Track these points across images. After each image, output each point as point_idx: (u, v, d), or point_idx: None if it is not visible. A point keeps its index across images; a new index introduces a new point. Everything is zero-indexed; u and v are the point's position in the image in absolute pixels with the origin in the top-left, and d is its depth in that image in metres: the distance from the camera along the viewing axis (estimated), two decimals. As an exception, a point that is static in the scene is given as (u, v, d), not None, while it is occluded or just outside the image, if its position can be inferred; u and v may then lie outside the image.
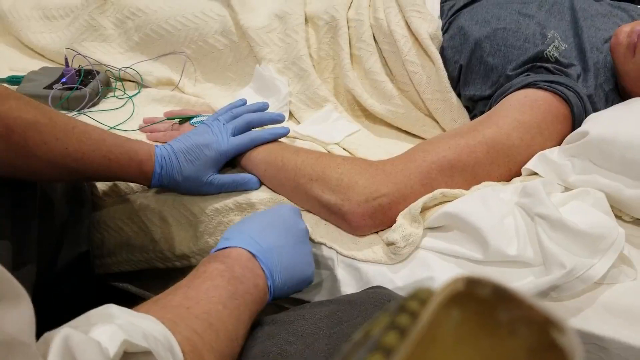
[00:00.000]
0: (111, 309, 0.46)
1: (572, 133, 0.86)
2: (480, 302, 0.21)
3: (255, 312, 0.62)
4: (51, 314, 0.86)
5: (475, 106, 1.00)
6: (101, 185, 0.93)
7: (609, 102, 0.95)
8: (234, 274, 0.61)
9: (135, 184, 0.91)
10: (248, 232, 0.68)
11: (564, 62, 0.94)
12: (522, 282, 0.72)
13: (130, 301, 0.57)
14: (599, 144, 0.81)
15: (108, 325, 0.42)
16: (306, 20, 1.12)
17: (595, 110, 0.92)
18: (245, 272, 0.63)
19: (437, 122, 1.03)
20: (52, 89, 1.08)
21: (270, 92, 1.07)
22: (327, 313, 0.61)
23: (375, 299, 0.63)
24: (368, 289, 0.69)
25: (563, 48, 0.95)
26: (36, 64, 1.21)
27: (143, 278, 0.98)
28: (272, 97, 1.06)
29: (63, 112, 1.06)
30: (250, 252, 0.66)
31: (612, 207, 0.80)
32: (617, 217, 0.82)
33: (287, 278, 0.68)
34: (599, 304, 0.71)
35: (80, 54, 1.16)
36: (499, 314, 0.20)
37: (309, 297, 0.83)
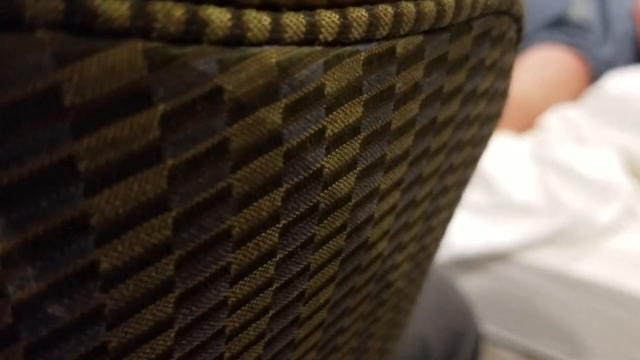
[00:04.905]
0: None
1: (589, 90, 0.87)
2: None
3: None
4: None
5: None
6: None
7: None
8: None
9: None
10: None
11: (585, 25, 0.94)
12: (527, 227, 0.74)
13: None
14: (615, 101, 0.82)
15: None
16: None
17: (614, 73, 0.92)
18: None
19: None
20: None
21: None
22: None
23: None
24: None
25: (585, 12, 0.96)
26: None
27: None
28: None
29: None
30: None
31: (631, 166, 0.80)
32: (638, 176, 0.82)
33: None
34: (604, 251, 0.72)
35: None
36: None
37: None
